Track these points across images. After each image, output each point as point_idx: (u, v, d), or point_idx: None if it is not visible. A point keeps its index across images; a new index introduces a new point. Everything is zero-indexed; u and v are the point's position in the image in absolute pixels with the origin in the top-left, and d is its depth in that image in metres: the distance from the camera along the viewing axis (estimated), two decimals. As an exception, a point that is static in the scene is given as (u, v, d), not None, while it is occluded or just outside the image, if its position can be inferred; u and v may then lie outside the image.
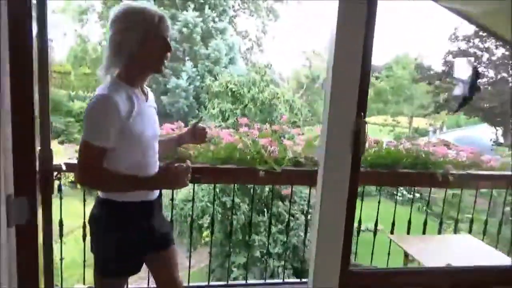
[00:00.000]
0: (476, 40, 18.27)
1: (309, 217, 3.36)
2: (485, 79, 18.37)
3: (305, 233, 3.63)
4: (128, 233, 1.49)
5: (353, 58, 1.58)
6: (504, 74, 17.76)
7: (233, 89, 7.55)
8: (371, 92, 32.18)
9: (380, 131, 28.47)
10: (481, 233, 2.86)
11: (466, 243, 2.33)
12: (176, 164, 1.41)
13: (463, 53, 18.78)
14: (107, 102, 1.34)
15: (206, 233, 7.61)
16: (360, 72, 1.58)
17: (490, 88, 18.04)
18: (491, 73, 18.14)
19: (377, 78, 28.42)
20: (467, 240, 2.51)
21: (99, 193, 1.53)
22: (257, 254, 6.36)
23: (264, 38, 23.91)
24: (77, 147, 1.41)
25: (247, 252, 6.37)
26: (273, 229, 6.61)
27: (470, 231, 2.91)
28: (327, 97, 1.68)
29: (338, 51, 1.57)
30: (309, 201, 2.76)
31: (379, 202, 2.91)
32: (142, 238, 1.53)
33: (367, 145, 2.81)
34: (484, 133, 21.97)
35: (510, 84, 17.67)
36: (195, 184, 2.98)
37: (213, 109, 7.86)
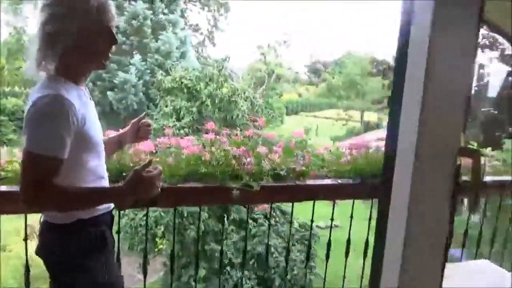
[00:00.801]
0: None
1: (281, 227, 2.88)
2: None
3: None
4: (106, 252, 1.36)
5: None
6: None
7: (188, 85, 6.84)
8: (323, 87, 32.75)
9: (333, 125, 29.01)
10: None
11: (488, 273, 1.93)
12: (147, 169, 1.32)
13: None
14: (62, 104, 1.15)
15: (160, 241, 6.98)
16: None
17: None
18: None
19: (329, 73, 28.92)
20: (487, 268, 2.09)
21: (46, 217, 1.32)
22: (218, 265, 5.83)
23: (216, 32, 23.25)
24: (11, 149, 1.34)
25: (207, 263, 5.83)
26: (235, 237, 6.11)
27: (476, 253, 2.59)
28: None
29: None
30: (291, 222, 2.29)
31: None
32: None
33: (363, 151, 2.45)
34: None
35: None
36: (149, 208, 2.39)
37: (166, 107, 7.11)
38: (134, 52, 12.76)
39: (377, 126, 30.37)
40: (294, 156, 2.27)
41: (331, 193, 2.27)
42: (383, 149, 2.49)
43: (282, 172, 2.15)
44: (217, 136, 2.18)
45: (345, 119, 28.75)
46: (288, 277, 5.79)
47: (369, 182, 2.28)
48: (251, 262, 5.84)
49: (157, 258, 7.33)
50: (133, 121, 1.64)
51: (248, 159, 2.01)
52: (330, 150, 2.42)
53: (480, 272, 1.96)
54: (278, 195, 2.17)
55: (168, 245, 6.43)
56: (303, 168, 2.23)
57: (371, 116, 30.94)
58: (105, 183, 1.41)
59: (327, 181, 2.24)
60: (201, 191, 1.95)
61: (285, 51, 25.34)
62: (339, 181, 2.26)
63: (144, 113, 1.83)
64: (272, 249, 5.74)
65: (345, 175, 2.31)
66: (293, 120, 36.19)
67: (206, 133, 2.22)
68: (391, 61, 20.01)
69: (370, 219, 2.47)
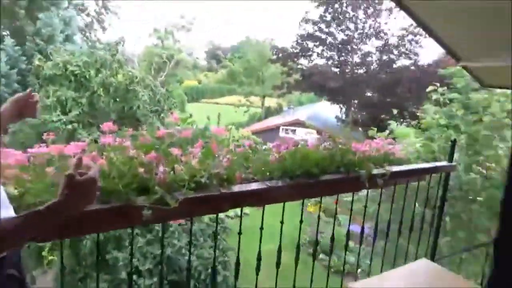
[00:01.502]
0: (322, 25, 19.90)
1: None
2: (330, 61, 20.33)
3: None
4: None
5: None
6: (347, 57, 19.87)
7: (75, 72, 5.82)
8: (224, 73, 32.63)
9: (235, 112, 29.15)
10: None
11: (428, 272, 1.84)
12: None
13: (311, 36, 20.29)
14: None
15: (48, 254, 6.06)
16: None
17: (335, 69, 20.03)
18: (335, 55, 20.06)
19: (230, 60, 28.78)
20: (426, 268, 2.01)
21: None
22: (123, 275, 5.19)
23: (106, 14, 21.23)
24: None
25: (109, 274, 5.17)
26: (140, 242, 5.52)
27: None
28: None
29: None
30: (216, 235, 1.94)
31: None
32: None
33: (283, 148, 2.18)
34: (328, 110, 24.60)
35: (349, 66, 19.85)
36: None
37: (48, 98, 5.97)
38: (5, 34, 10.76)
39: (277, 111, 31.54)
40: (215, 158, 1.90)
41: (260, 199, 1.96)
42: (309, 143, 2.28)
43: (203, 180, 1.77)
44: (118, 139, 1.70)
45: (247, 105, 29.13)
46: (203, 277, 5.44)
47: (301, 182, 2.04)
48: (160, 267, 5.35)
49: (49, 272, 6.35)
50: (15, 97, 1.42)
51: (161, 169, 1.58)
52: (255, 145, 2.11)
53: (421, 273, 1.92)
54: (199, 208, 1.79)
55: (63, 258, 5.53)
56: (227, 171, 1.88)
57: (271, 102, 31.94)
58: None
59: (254, 186, 1.93)
60: (100, 215, 1.47)
61: (184, 36, 24.40)
62: (268, 183, 1.97)
63: (30, 89, 1.55)
64: (183, 250, 5.31)
65: (274, 175, 2.03)
66: (195, 108, 35.51)
67: (103, 133, 1.72)
68: (289, 48, 20.77)
69: (301, 221, 2.26)
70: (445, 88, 5.68)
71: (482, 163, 4.62)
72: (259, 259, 2.09)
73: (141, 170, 1.60)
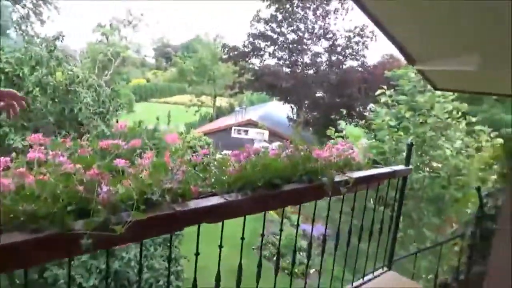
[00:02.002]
0: (274, 24, 19.96)
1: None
2: (281, 61, 20.46)
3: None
4: None
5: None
6: (298, 57, 20.08)
7: (6, 70, 5.22)
8: (174, 71, 31.80)
9: (186, 111, 28.50)
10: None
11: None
12: None
13: (262, 35, 20.27)
14: None
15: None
16: None
17: (286, 69, 20.19)
18: (286, 55, 20.20)
19: (181, 58, 28.04)
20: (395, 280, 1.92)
21: None
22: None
23: (44, 7, 19.79)
24: None
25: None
26: (84, 256, 5.08)
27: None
28: None
29: None
30: (169, 260, 1.73)
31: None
32: None
33: (243, 156, 2.02)
34: (279, 110, 24.79)
35: (300, 66, 20.10)
36: None
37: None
38: None
39: (229, 111, 31.29)
40: (168, 171, 1.69)
41: (219, 214, 1.79)
42: (271, 151, 2.14)
43: (154, 197, 1.56)
44: (51, 152, 1.45)
45: (198, 105, 28.57)
46: (154, 289, 5.14)
47: (263, 194, 1.90)
48: (106, 282, 4.96)
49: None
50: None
51: (105, 188, 1.35)
52: (214, 159, 1.93)
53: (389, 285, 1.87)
54: (151, 230, 1.57)
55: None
56: (182, 185, 1.69)
57: (222, 102, 31.62)
58: None
59: (213, 200, 1.75)
60: (28, 247, 1.22)
61: (131, 33, 23.34)
62: (228, 197, 1.80)
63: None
64: (133, 263, 4.97)
65: (234, 187, 1.87)
66: (143, 107, 34.24)
67: (31, 147, 1.46)
68: (241, 47, 20.63)
69: (263, 235, 2.11)
70: (392, 90, 5.90)
71: (429, 163, 4.81)
72: (217, 279, 1.91)
73: (80, 188, 1.37)
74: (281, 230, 2.40)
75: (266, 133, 18.10)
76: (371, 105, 20.35)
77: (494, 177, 2.89)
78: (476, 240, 2.71)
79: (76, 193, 1.34)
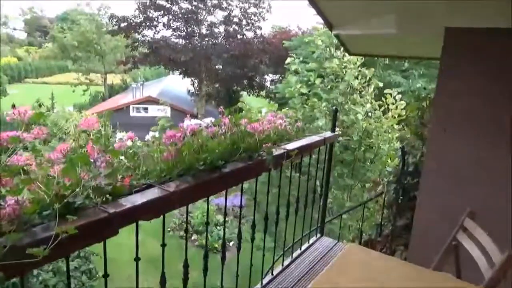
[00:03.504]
0: None
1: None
2: (177, 32, 19.31)
3: None
4: None
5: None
6: (195, 28, 19.17)
7: None
8: (53, 47, 28.12)
9: (73, 91, 25.62)
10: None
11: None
12: None
13: (154, 4, 18.73)
14: None
15: None
16: None
17: (183, 41, 19.17)
18: (182, 26, 19.10)
19: (60, 31, 24.70)
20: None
21: None
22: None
23: None
24: None
25: None
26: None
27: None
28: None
29: None
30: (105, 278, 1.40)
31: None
32: None
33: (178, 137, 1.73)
34: (178, 84, 23.77)
35: (197, 38, 19.26)
36: None
37: None
38: None
39: (123, 88, 29.00)
40: (90, 165, 1.35)
41: (159, 209, 1.50)
42: (208, 129, 1.89)
43: (78, 200, 1.23)
44: None
45: (86, 83, 25.86)
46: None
47: (206, 180, 1.66)
48: None
49: None
50: None
51: (10, 200, 0.98)
52: (143, 144, 1.61)
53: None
54: (79, 242, 1.22)
55: None
56: (110, 180, 1.37)
57: (115, 79, 29.12)
58: None
59: (151, 194, 1.47)
60: None
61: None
62: (166, 187, 1.53)
63: None
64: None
65: (172, 175, 1.60)
66: (19, 90, 29.88)
67: None
68: (131, 17, 18.84)
69: (207, 223, 1.88)
70: (300, 58, 6.01)
71: (341, 127, 5.04)
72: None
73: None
74: (225, 214, 2.19)
75: (168, 109, 17.29)
76: (271, 75, 20.87)
77: (408, 136, 3.08)
78: (399, 195, 2.88)
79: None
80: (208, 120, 2.11)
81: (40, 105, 19.40)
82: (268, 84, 20.40)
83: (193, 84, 19.93)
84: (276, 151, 2.13)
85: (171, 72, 21.66)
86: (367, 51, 3.61)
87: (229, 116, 1.96)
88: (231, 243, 8.47)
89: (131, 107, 19.57)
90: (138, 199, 1.41)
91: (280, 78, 18.46)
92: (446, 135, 2.46)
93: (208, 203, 2.05)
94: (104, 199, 1.31)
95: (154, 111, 18.30)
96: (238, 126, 1.93)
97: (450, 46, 2.31)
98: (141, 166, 1.59)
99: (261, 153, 2.04)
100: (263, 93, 19.72)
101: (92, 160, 1.35)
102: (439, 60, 2.38)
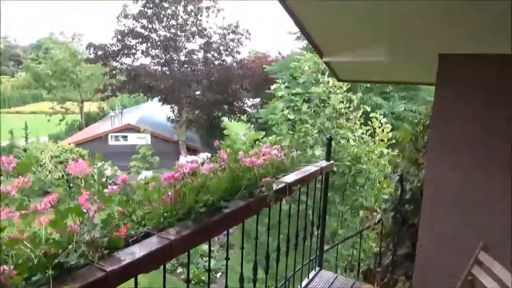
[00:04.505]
0: (144, 21, 18.57)
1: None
2: (156, 60, 19.22)
3: None
4: None
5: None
6: (174, 55, 19.13)
7: None
8: (27, 77, 27.52)
9: (48, 121, 24.94)
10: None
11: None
12: None
13: (132, 32, 18.68)
14: None
15: None
16: None
17: (163, 68, 19.07)
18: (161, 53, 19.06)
19: (34, 60, 24.22)
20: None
21: None
22: None
23: None
24: None
25: None
26: None
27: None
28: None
29: None
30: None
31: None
32: None
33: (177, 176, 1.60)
34: (157, 112, 23.46)
35: (177, 65, 19.21)
36: None
37: None
38: None
39: (100, 116, 28.43)
40: (83, 216, 1.21)
41: (160, 259, 1.36)
42: (206, 166, 1.77)
43: (71, 260, 1.10)
44: None
45: (62, 112, 25.25)
46: None
47: (208, 223, 1.53)
48: None
49: None
50: None
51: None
52: (145, 187, 1.48)
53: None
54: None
55: None
56: (106, 232, 1.24)
57: (92, 107, 28.57)
58: None
59: (151, 244, 1.34)
60: None
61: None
62: (165, 235, 1.39)
63: None
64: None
65: (172, 219, 1.46)
66: (-10, 120, 28.81)
67: None
68: (109, 45, 18.65)
69: (209, 270, 1.73)
70: (285, 84, 6.01)
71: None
72: None
73: None
74: (227, 257, 2.04)
75: (148, 137, 16.95)
76: (251, 100, 20.90)
77: (402, 162, 3.04)
78: (398, 223, 2.80)
79: None
80: (204, 155, 2.00)
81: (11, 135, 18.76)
82: (248, 108, 20.43)
83: (173, 111, 19.73)
84: (277, 186, 2.03)
85: (149, 99, 21.43)
86: (357, 77, 3.61)
87: (227, 151, 1.86)
88: (218, 275, 8.17)
89: (110, 135, 19.11)
90: (136, 251, 1.27)
91: (261, 102, 18.54)
92: (444, 160, 2.42)
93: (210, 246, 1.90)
94: (100, 254, 1.17)
95: (134, 139, 17.92)
96: (237, 162, 1.82)
97: (444, 71, 2.30)
98: (137, 211, 1.45)
99: (261, 188, 1.93)
100: (244, 117, 19.71)
101: (85, 211, 1.21)
102: (434, 85, 2.36)
